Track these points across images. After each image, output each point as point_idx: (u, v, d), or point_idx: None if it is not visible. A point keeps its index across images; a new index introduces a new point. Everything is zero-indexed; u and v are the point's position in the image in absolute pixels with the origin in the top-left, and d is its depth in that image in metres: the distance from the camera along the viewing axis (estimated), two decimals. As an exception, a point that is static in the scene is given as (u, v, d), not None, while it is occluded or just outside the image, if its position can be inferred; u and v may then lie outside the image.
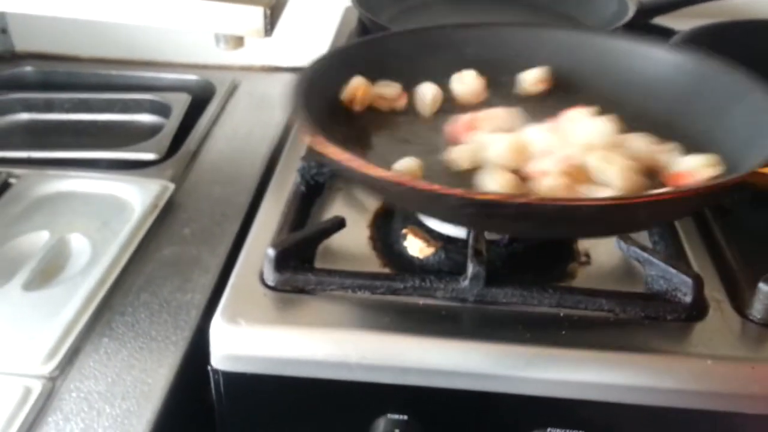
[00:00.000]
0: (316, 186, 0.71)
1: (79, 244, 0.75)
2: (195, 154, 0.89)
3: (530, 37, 0.77)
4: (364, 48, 0.76)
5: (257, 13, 0.69)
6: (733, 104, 0.66)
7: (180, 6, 0.69)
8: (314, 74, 0.67)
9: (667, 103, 0.70)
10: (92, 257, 0.72)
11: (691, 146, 0.65)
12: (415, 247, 0.65)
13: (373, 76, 0.72)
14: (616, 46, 0.75)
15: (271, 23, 0.71)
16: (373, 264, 0.64)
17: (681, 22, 0.93)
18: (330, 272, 0.59)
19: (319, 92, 0.66)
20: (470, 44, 0.76)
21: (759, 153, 0.57)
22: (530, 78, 0.75)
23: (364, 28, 0.97)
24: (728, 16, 0.92)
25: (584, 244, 0.67)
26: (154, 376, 0.60)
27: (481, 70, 0.74)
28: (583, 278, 0.64)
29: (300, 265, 0.59)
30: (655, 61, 0.73)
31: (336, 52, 0.76)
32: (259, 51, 1.10)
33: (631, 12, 0.89)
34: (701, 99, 0.69)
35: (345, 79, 0.71)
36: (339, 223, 0.63)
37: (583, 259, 0.65)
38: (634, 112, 0.69)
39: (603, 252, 0.65)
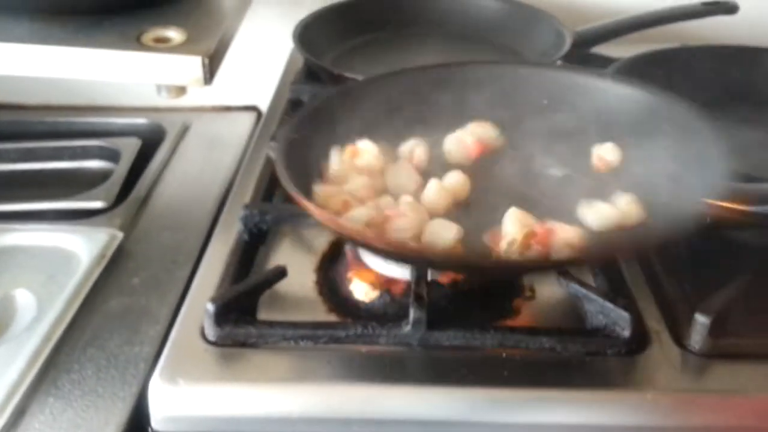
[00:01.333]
0: (260, 233, 0.71)
1: (24, 299, 0.74)
2: (145, 200, 0.89)
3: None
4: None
5: (195, 62, 0.69)
6: (673, 139, 0.67)
7: (117, 59, 0.69)
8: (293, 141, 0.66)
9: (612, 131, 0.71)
10: (38, 313, 0.71)
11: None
12: (361, 290, 0.65)
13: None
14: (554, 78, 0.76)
15: (210, 71, 0.71)
16: (320, 309, 0.64)
17: (619, 49, 0.95)
18: (272, 324, 0.59)
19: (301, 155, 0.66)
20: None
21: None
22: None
23: (309, 68, 0.98)
24: (666, 42, 0.94)
25: (529, 279, 0.67)
26: (100, 436, 0.59)
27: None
28: (527, 313, 0.64)
29: (241, 318, 0.59)
30: (598, 92, 0.74)
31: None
32: (209, 91, 1.10)
33: (568, 43, 0.90)
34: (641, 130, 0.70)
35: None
36: (280, 273, 0.63)
37: (528, 293, 0.66)
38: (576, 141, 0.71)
39: (547, 286, 0.66)
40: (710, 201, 0.57)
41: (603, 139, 0.71)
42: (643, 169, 0.67)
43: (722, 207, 0.57)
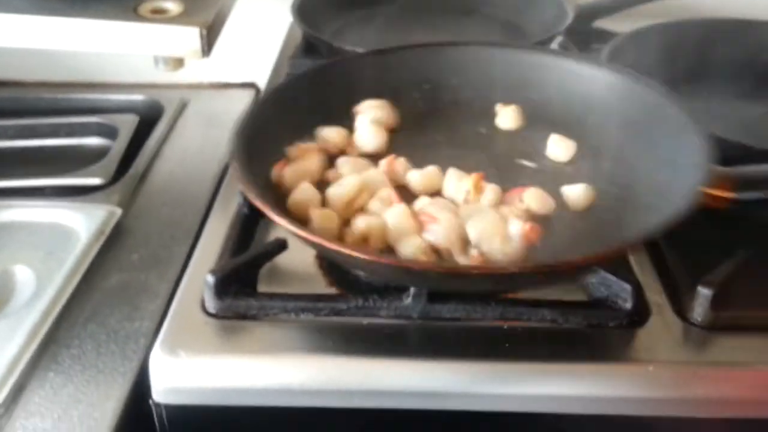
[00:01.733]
0: (260, 207, 0.71)
1: (23, 275, 0.73)
2: (143, 177, 0.88)
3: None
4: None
5: (193, 33, 0.69)
6: (656, 134, 0.67)
7: (114, 30, 0.68)
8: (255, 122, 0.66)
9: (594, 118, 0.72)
10: (37, 289, 0.71)
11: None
12: (361, 264, 0.65)
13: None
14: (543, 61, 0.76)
15: (208, 43, 0.70)
16: (320, 283, 0.64)
17: (621, 24, 0.94)
18: (272, 296, 0.59)
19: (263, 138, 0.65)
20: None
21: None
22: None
23: (308, 42, 0.97)
24: (668, 16, 0.93)
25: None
26: (100, 410, 0.59)
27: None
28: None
29: (241, 291, 0.59)
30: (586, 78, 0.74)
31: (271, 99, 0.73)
32: (208, 68, 1.09)
33: (570, 16, 0.89)
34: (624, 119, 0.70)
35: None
36: (280, 246, 0.62)
37: (530, 268, 0.66)
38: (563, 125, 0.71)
39: (549, 260, 0.66)
40: (697, 188, 0.56)
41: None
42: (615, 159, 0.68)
43: (707, 194, 0.56)
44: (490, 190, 0.64)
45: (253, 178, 0.58)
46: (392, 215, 0.60)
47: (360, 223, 0.60)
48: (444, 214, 0.60)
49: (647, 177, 0.64)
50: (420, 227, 0.60)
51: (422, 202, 0.63)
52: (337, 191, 0.63)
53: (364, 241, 0.59)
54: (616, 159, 0.68)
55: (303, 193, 0.63)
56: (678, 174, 0.60)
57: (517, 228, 0.59)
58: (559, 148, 0.71)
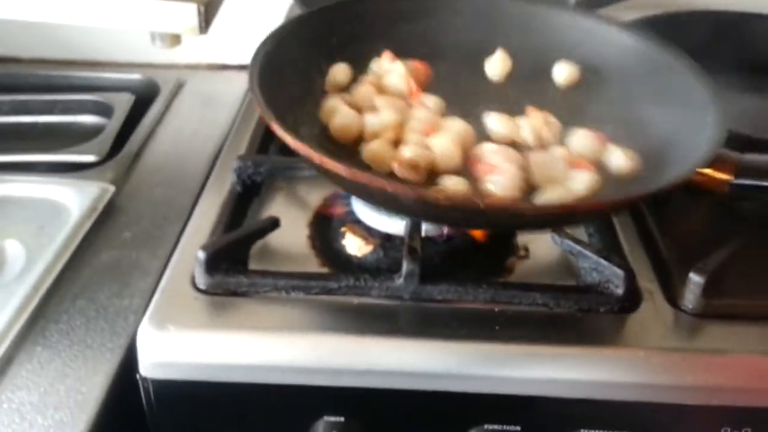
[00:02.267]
0: (254, 185, 0.70)
1: (14, 250, 0.73)
2: (137, 156, 0.88)
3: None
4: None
5: (191, 9, 0.68)
6: (673, 100, 0.66)
7: (111, 4, 0.68)
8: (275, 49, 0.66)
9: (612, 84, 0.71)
10: (27, 264, 0.71)
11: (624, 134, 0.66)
12: (354, 245, 0.65)
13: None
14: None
15: (206, 20, 0.69)
16: (312, 263, 0.64)
17: (623, 14, 0.94)
18: (263, 273, 0.59)
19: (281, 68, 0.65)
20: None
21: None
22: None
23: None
24: (668, 8, 0.93)
25: (523, 238, 0.67)
26: (88, 385, 0.59)
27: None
28: (521, 272, 0.64)
29: (232, 267, 0.59)
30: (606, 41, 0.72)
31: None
32: (205, 49, 1.09)
33: (571, 5, 0.89)
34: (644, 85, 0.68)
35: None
36: (273, 223, 0.62)
37: (522, 253, 0.66)
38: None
39: (542, 246, 0.66)
40: (695, 166, 0.56)
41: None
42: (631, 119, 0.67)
43: (703, 174, 0.56)
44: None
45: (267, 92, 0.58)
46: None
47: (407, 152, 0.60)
48: (507, 164, 0.60)
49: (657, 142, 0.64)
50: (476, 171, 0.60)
51: (488, 148, 0.62)
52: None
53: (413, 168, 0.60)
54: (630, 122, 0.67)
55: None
56: (685, 145, 0.60)
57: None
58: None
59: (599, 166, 0.63)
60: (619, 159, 0.63)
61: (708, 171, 0.57)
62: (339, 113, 0.65)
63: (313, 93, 0.68)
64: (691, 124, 0.62)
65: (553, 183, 0.61)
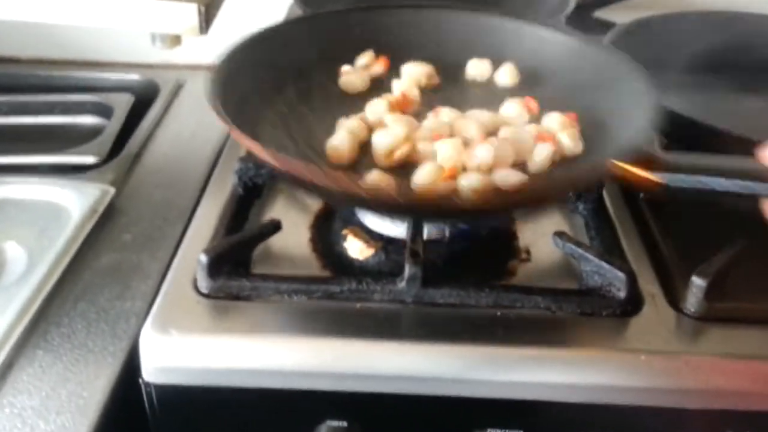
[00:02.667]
0: (255, 188, 0.70)
1: (14, 252, 0.73)
2: (137, 157, 0.88)
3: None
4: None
5: (191, 10, 0.68)
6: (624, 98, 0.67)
7: (112, 5, 0.67)
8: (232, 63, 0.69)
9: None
10: (28, 266, 0.70)
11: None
12: (355, 248, 0.65)
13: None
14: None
15: (206, 20, 0.69)
16: (313, 266, 0.64)
17: (621, 15, 0.94)
18: (265, 277, 0.59)
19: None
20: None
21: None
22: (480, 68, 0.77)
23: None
24: (668, 8, 0.93)
25: (525, 241, 0.67)
26: (89, 389, 0.59)
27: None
28: (523, 275, 0.64)
29: (234, 271, 0.59)
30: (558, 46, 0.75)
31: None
32: (204, 49, 1.08)
33: (571, 5, 0.89)
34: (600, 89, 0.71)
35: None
36: (274, 227, 0.62)
37: (524, 255, 0.66)
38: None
39: (543, 248, 0.66)
40: (618, 164, 0.56)
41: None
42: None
43: (628, 171, 0.56)
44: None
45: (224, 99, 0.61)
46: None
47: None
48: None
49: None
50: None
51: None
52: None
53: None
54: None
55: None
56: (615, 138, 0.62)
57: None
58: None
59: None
60: (568, 141, 0.65)
61: (638, 171, 0.56)
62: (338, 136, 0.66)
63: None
64: (627, 116, 0.63)
65: (522, 156, 0.64)
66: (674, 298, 0.59)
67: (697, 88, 0.85)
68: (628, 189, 0.65)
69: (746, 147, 0.64)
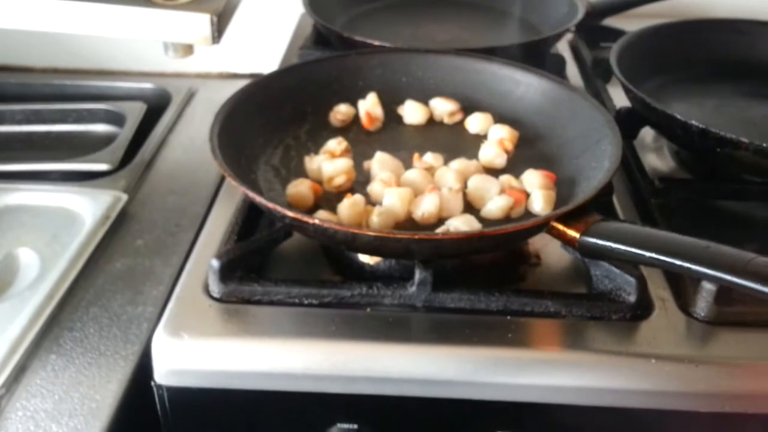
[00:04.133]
0: (266, 194, 0.71)
1: (27, 258, 0.74)
2: (149, 164, 0.88)
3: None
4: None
5: (204, 20, 0.69)
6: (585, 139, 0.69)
7: (125, 15, 0.68)
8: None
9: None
10: (41, 272, 0.71)
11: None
12: (366, 253, 0.65)
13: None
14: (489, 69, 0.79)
15: (218, 30, 0.70)
16: (325, 271, 0.64)
17: (630, 23, 0.94)
18: (276, 282, 0.59)
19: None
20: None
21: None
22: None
23: (319, 33, 0.97)
24: (677, 16, 0.93)
25: (535, 245, 0.67)
26: (102, 393, 0.59)
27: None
28: (533, 280, 0.64)
29: (246, 276, 0.59)
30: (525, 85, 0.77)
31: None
32: (216, 58, 1.10)
33: (581, 13, 0.90)
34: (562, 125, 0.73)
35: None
36: (286, 233, 0.62)
37: (534, 260, 0.66)
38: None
39: (553, 253, 0.66)
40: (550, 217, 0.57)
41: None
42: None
43: (557, 228, 0.57)
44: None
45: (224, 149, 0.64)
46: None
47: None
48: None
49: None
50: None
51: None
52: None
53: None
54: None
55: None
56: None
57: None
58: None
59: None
60: (540, 202, 0.65)
61: (560, 226, 0.57)
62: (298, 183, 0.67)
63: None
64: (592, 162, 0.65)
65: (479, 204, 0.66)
66: (684, 303, 0.59)
67: (706, 95, 0.85)
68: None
69: (754, 153, 0.65)
